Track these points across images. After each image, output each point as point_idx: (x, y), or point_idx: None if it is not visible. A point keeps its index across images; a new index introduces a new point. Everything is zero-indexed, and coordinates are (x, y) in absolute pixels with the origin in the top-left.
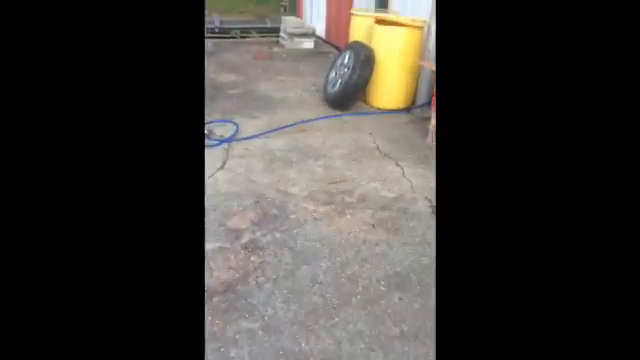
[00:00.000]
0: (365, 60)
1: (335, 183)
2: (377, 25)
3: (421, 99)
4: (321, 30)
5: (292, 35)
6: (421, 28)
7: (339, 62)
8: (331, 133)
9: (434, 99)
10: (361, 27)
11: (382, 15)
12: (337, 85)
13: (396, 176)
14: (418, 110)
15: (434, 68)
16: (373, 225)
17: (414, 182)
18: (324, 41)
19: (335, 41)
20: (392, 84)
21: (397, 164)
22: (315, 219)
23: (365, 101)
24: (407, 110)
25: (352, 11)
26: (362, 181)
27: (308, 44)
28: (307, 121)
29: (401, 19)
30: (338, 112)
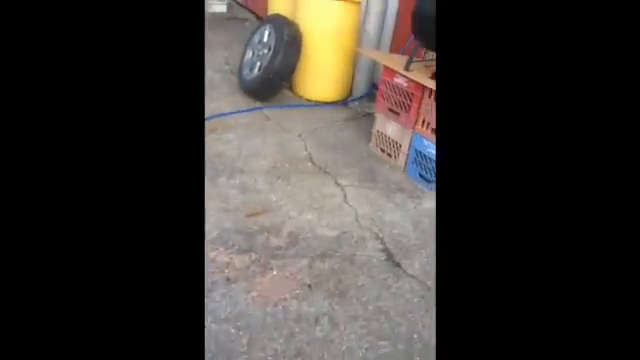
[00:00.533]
0: (289, 41)
1: (256, 215)
2: None
3: (359, 90)
4: None
5: None
6: (358, 3)
7: (256, 39)
8: (250, 135)
9: (384, 93)
10: None
11: None
12: (255, 70)
13: (336, 202)
14: (356, 103)
15: (376, 57)
16: (310, 286)
17: (359, 211)
18: (240, 5)
19: (252, 6)
20: (324, 71)
21: (336, 182)
22: (228, 280)
23: (292, 89)
24: (343, 103)
25: None
26: (292, 211)
27: (219, 7)
28: (217, 116)
29: None
30: (258, 104)
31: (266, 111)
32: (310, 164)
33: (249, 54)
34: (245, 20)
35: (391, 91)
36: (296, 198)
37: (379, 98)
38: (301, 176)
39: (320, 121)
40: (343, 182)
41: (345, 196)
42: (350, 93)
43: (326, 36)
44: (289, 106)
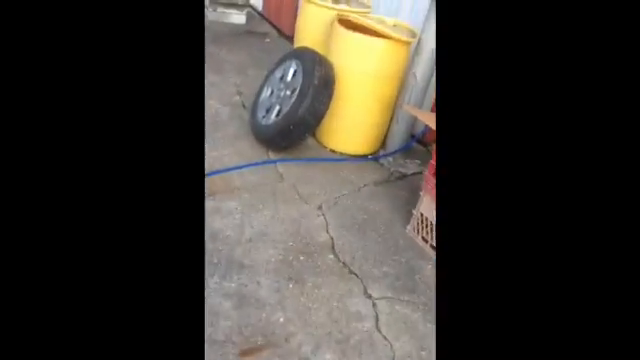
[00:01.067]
0: (321, 85)
1: (254, 354)
2: (341, 28)
3: (394, 143)
4: (258, 0)
5: (216, 3)
6: (408, 43)
7: (278, 75)
8: (257, 203)
9: (437, 149)
10: (315, 20)
11: (348, 11)
12: (273, 114)
13: (366, 330)
14: (390, 159)
15: (428, 121)
16: None
17: (397, 348)
18: (261, 16)
19: (276, 20)
20: (356, 119)
21: (365, 292)
22: None
23: (314, 135)
24: (374, 157)
25: None
26: (305, 344)
27: (238, 18)
28: (219, 172)
29: (376, 23)
30: (271, 155)
31: (280, 166)
32: (332, 256)
33: (267, 91)
34: (265, 35)
35: None
36: (311, 319)
37: (428, 175)
38: (319, 278)
39: (346, 184)
40: (374, 292)
41: (377, 319)
42: (383, 145)
43: (364, 79)
44: (309, 160)
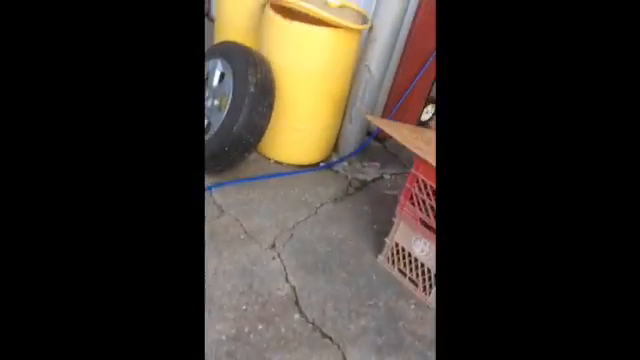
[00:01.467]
0: (259, 91)
1: None
2: (276, 15)
3: (348, 144)
4: None
5: None
6: (359, 31)
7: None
8: None
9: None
10: (240, 2)
11: None
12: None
13: None
14: (344, 164)
15: (398, 136)
16: None
17: None
18: None
19: None
20: (304, 125)
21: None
22: None
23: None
24: (327, 165)
25: None
26: None
27: None
28: None
29: (318, 7)
30: (206, 179)
31: (217, 194)
32: (297, 316)
33: None
34: None
35: (427, 195)
36: None
37: (403, 200)
38: (287, 354)
39: (299, 207)
40: (355, 357)
41: None
42: (335, 148)
43: (309, 78)
44: (251, 179)
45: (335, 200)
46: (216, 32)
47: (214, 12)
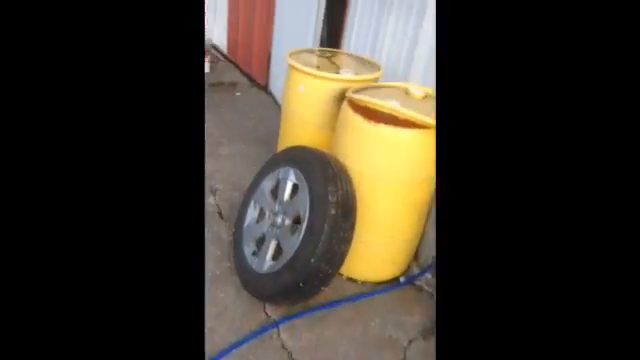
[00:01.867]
0: (341, 212)
1: None
2: (356, 116)
3: (429, 252)
4: (221, 38)
5: None
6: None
7: (268, 186)
8: None
9: None
10: (310, 98)
11: (358, 80)
12: (269, 254)
13: None
14: (428, 277)
15: None
16: None
17: None
18: (226, 59)
19: (244, 64)
20: (383, 239)
21: None
22: None
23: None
24: (408, 280)
25: (290, 55)
26: None
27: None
28: None
29: (400, 106)
30: (268, 311)
31: (285, 334)
32: None
33: (254, 210)
34: (234, 86)
35: None
36: None
37: None
38: None
39: (383, 347)
40: None
41: None
42: (415, 257)
43: (392, 186)
44: (324, 307)
45: (425, 334)
46: (282, 121)
47: (274, 89)
